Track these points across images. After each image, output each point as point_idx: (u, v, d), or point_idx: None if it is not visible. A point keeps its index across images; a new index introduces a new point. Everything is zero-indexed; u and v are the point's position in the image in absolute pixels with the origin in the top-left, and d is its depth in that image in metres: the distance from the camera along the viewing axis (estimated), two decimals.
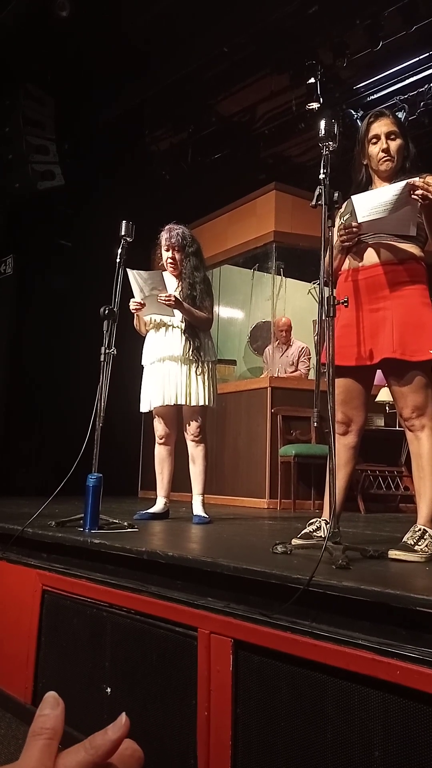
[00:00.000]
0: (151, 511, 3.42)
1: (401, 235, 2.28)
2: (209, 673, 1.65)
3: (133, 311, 3.43)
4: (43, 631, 2.33)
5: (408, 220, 2.22)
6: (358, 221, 2.26)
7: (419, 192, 2.10)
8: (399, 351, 2.20)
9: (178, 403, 3.39)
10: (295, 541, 2.16)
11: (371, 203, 2.21)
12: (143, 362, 3.54)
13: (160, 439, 3.53)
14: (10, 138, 5.41)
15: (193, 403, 3.39)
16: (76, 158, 5.76)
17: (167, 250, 3.51)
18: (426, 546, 2.05)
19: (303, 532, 2.30)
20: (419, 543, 2.06)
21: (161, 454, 3.53)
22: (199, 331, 3.45)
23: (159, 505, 3.48)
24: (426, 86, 5.28)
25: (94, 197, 5.82)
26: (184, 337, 3.41)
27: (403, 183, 2.15)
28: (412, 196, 2.11)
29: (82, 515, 2.65)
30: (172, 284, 3.51)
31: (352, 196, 2.30)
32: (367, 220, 2.24)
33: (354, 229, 2.30)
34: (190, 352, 3.39)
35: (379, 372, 2.39)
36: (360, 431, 2.38)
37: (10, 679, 2.42)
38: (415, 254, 2.30)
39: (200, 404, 3.40)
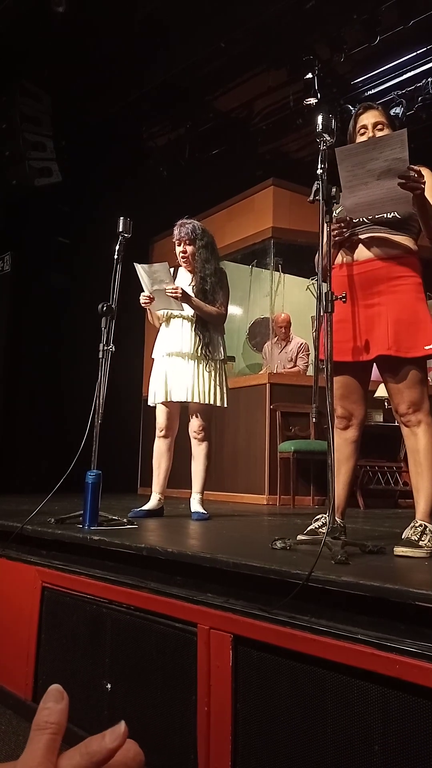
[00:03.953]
0: (145, 508, 3.36)
1: (395, 226, 2.25)
2: (209, 669, 1.65)
3: (143, 306, 3.40)
4: (43, 627, 2.33)
5: (403, 196, 2.12)
6: (342, 181, 2.14)
7: (407, 183, 2.06)
8: (394, 348, 2.20)
9: (185, 399, 3.35)
10: (300, 537, 2.17)
11: (358, 157, 2.08)
12: (153, 355, 3.52)
13: (161, 431, 3.48)
14: (6, 135, 5.39)
15: (198, 400, 3.35)
16: (73, 155, 5.75)
17: (179, 245, 3.50)
18: (429, 541, 2.06)
19: (309, 529, 2.30)
20: (422, 538, 2.06)
21: (160, 448, 3.49)
22: (210, 327, 3.41)
23: (153, 502, 3.40)
24: (424, 81, 5.26)
25: (91, 193, 5.81)
26: (193, 332, 3.38)
27: (395, 132, 2.03)
28: (401, 184, 2.06)
29: (82, 512, 2.65)
30: (186, 279, 3.50)
31: (335, 149, 2.12)
32: (354, 184, 2.12)
33: (342, 225, 2.28)
34: (199, 349, 3.36)
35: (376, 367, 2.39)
36: (361, 425, 2.38)
37: (10, 675, 2.43)
38: (410, 247, 2.28)
39: (207, 402, 3.37)
